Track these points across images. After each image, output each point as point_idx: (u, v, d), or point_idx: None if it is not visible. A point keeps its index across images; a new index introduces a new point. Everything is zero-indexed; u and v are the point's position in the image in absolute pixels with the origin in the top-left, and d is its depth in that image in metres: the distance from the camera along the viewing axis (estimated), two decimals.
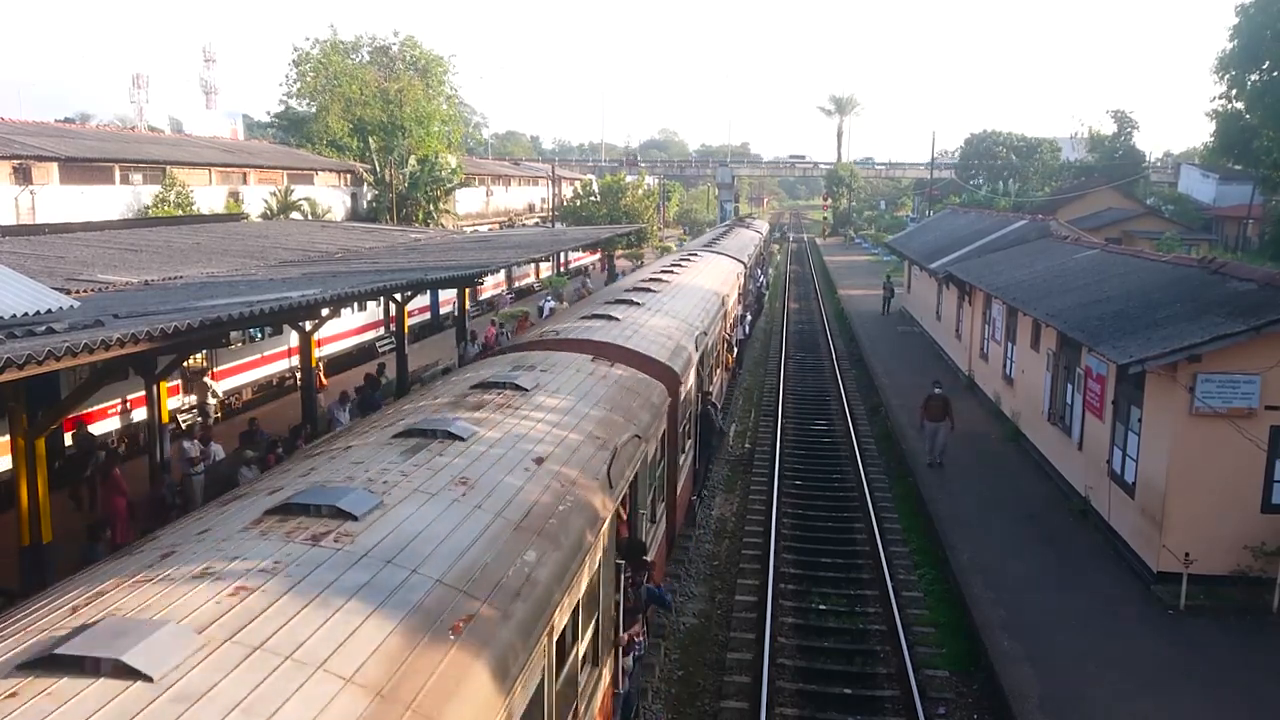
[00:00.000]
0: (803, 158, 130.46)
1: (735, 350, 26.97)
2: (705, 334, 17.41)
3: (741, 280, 31.38)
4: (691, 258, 29.23)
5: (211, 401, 22.00)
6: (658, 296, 18.82)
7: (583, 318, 15.54)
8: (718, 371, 21.35)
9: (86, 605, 4.70)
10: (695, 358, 15.54)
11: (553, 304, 37.00)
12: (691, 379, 14.94)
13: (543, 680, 5.89)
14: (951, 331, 29.82)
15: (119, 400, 18.92)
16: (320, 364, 23.17)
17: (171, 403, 18.69)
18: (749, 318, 33.28)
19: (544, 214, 77.09)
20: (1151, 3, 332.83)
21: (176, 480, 15.08)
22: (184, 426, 20.15)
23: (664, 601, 10.48)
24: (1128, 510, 14.40)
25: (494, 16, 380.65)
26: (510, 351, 13.16)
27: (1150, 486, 13.53)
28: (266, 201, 44.40)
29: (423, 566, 5.42)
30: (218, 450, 16.33)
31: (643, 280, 21.87)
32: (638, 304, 17.30)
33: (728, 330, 24.13)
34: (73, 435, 17.24)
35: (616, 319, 15.32)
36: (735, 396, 26.29)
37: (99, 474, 15.09)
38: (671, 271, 23.83)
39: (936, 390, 19.38)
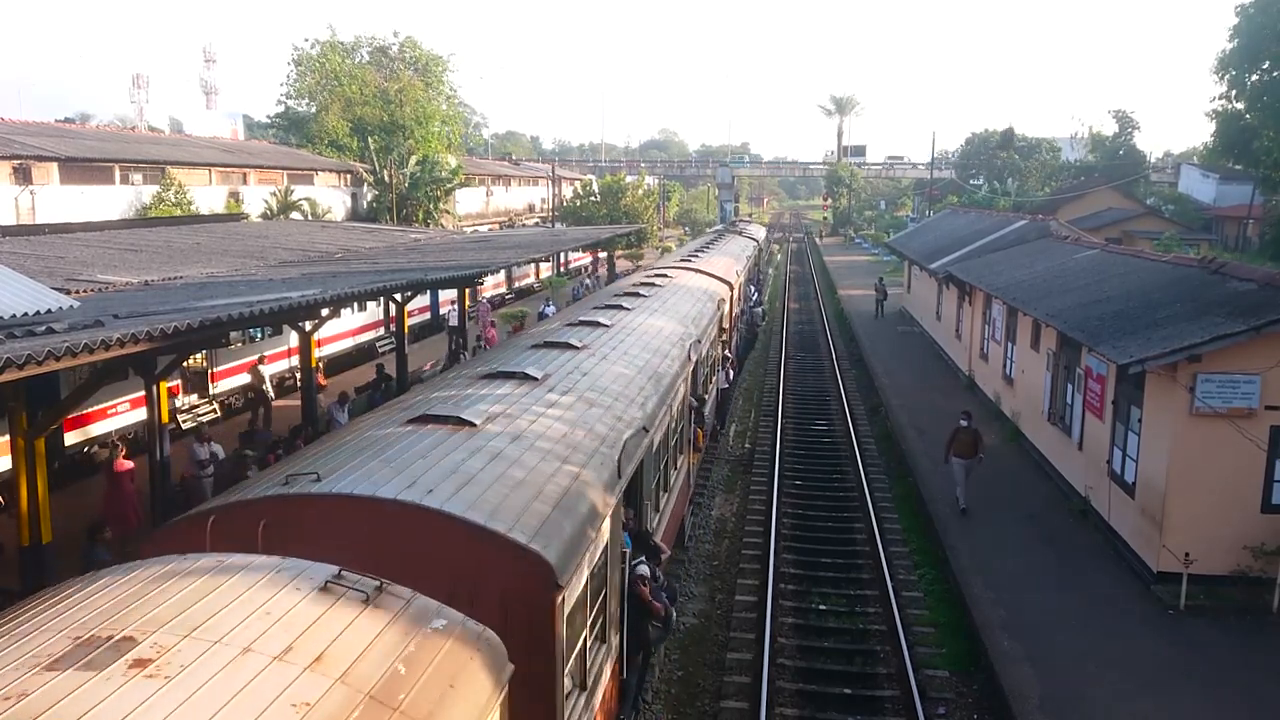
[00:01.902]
0: (901, 158, 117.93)
1: (707, 422, 18.77)
2: (648, 428, 10.59)
3: (726, 307, 23.58)
4: (659, 280, 21.39)
5: (267, 386, 22.38)
6: (578, 357, 12.05)
7: (410, 421, 8.47)
8: (677, 470, 13.89)
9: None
10: (612, 504, 8.27)
11: (552, 309, 35.23)
12: (599, 550, 7.82)
13: None
14: (951, 331, 29.83)
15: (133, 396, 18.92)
16: (320, 364, 23.20)
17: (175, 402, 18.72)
18: (730, 359, 24.40)
19: (544, 214, 77.13)
20: (1151, 3, 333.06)
21: (177, 481, 15.07)
22: (185, 426, 20.17)
23: None
24: (1128, 510, 14.40)
25: (494, 16, 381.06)
26: (145, 564, 5.28)
27: (1150, 486, 13.53)
28: (266, 202, 44.44)
29: None
30: (218, 450, 16.32)
31: (574, 322, 14.90)
32: (535, 378, 10.39)
33: (698, 393, 16.92)
34: None
35: (471, 425, 8.34)
36: (734, 397, 26.12)
37: (104, 469, 15.12)
38: (620, 307, 16.57)
39: (964, 423, 16.71)
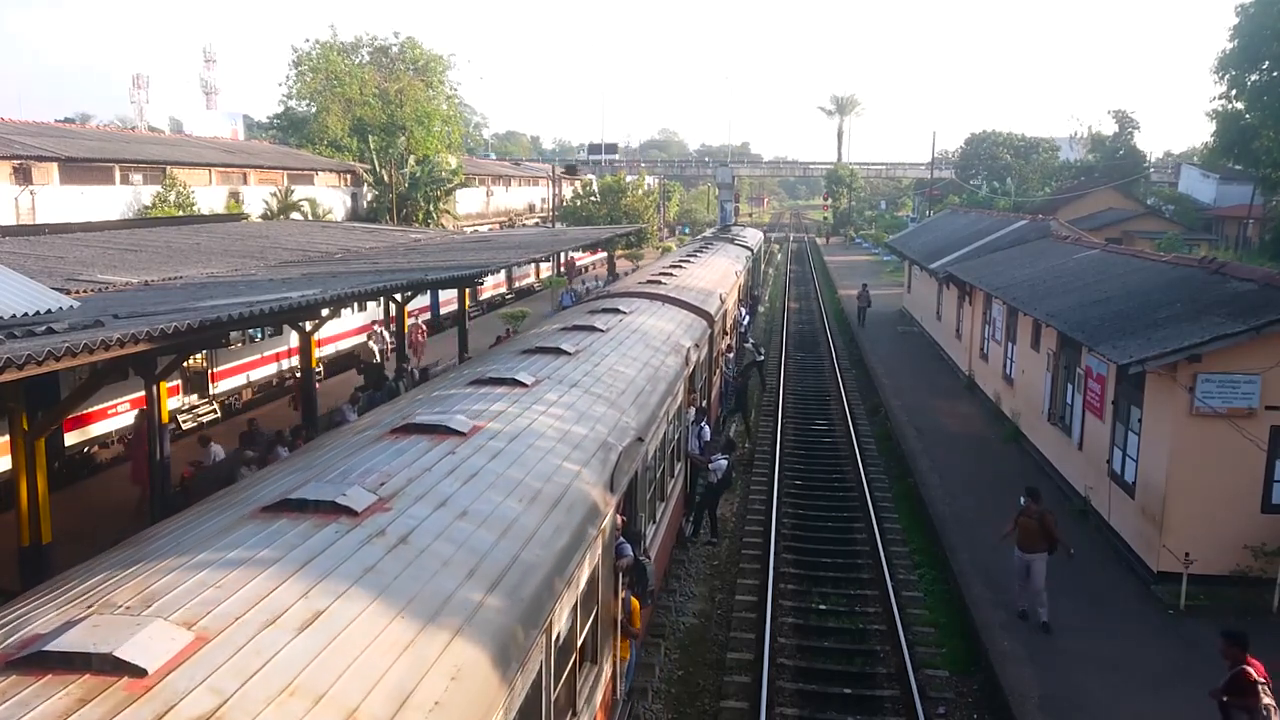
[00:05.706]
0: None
1: (650, 580, 9.94)
2: None
3: (701, 354, 17.21)
4: (600, 321, 14.61)
5: (378, 357, 22.57)
6: (351, 538, 5.44)
7: None
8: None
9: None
10: None
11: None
12: None
13: None
14: (951, 331, 29.83)
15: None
16: (321, 363, 23.21)
17: (172, 402, 18.70)
18: (708, 432, 17.41)
19: (544, 214, 77.18)
20: (1151, 3, 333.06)
21: (177, 483, 15.07)
22: (186, 426, 20.15)
23: None
24: (1128, 510, 14.40)
25: (494, 16, 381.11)
26: None
27: (1150, 486, 13.53)
28: (267, 202, 44.46)
29: None
30: (218, 451, 16.32)
31: (409, 424, 7.86)
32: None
33: (637, 527, 10.28)
34: None
35: None
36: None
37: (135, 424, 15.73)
38: (515, 383, 9.84)
39: (1024, 500, 12.69)
